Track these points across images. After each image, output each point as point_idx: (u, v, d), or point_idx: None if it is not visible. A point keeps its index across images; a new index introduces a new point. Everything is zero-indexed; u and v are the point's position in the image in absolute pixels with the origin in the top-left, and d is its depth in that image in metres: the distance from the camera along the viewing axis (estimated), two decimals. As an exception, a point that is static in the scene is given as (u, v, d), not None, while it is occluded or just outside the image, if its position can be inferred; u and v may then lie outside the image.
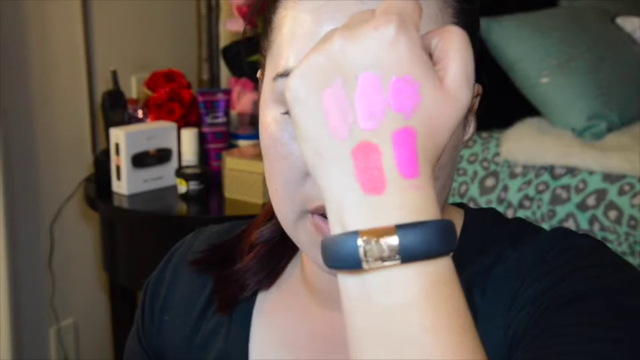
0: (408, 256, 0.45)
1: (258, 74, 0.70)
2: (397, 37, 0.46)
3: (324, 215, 0.62)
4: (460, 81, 0.48)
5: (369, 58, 0.47)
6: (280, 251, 0.78)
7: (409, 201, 0.46)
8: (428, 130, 0.47)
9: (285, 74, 0.61)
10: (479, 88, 0.69)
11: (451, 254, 0.47)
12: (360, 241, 0.45)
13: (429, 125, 0.47)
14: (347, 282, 0.48)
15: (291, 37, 0.62)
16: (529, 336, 0.60)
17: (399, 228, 0.45)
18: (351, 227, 0.46)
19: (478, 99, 0.70)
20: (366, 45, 0.47)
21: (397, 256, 0.45)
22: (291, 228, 0.66)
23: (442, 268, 0.46)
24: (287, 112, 0.62)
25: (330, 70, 0.47)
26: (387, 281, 0.46)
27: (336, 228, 0.48)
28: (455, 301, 0.46)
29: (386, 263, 0.45)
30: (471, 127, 0.69)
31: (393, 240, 0.45)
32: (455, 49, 0.49)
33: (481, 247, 0.68)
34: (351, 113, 0.47)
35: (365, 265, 0.46)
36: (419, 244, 0.45)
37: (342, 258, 0.46)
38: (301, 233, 0.65)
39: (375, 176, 0.46)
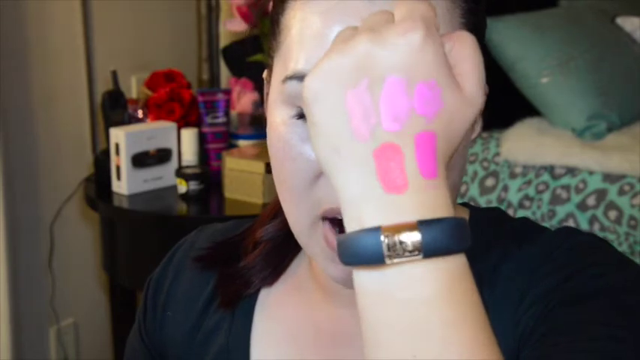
0: (429, 251, 0.46)
1: (265, 74, 0.70)
2: (425, 42, 0.48)
3: (333, 221, 0.63)
4: (477, 86, 0.50)
5: (397, 62, 0.48)
6: (285, 249, 0.78)
7: (429, 200, 0.47)
8: (446, 133, 0.48)
9: (294, 77, 0.61)
10: (486, 88, 0.69)
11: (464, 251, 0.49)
12: (382, 237, 0.46)
13: (448, 128, 0.49)
14: (365, 278, 0.48)
15: (300, 39, 0.62)
16: (536, 334, 0.60)
17: (421, 224, 0.46)
18: (370, 224, 0.47)
19: (485, 99, 0.70)
20: (394, 49, 0.48)
21: (419, 252, 0.46)
22: (305, 237, 0.66)
23: (459, 263, 0.48)
24: (296, 116, 0.62)
25: (355, 71, 0.48)
26: (407, 276, 0.47)
27: (352, 225, 0.48)
28: (471, 296, 0.48)
29: (407, 258, 0.46)
30: (478, 126, 0.70)
31: (415, 235, 0.46)
32: (470, 56, 0.50)
33: (486, 246, 0.69)
34: (374, 114, 0.48)
35: (388, 260, 0.46)
36: (440, 240, 0.46)
37: (363, 254, 0.47)
38: (314, 244, 0.65)
39: (396, 177, 0.47)
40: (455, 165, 0.63)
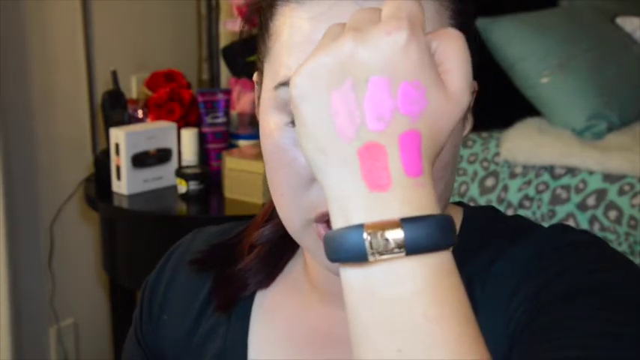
0: (412, 248, 0.46)
1: (255, 77, 0.70)
2: (409, 43, 0.48)
3: (327, 222, 0.63)
4: (462, 84, 0.50)
5: (380, 62, 0.48)
6: (280, 251, 0.78)
7: (413, 197, 0.47)
8: (431, 132, 0.49)
9: (287, 83, 0.61)
10: (475, 85, 0.70)
11: (451, 248, 0.49)
12: (365, 234, 0.47)
13: (433, 127, 0.49)
14: (350, 275, 0.49)
15: (290, 45, 0.62)
16: (529, 330, 0.60)
17: (404, 221, 0.46)
18: (355, 222, 0.48)
19: (474, 96, 0.70)
20: (378, 49, 0.48)
21: (402, 249, 0.46)
22: (299, 235, 0.66)
23: (444, 260, 0.48)
24: (291, 123, 0.62)
25: (339, 71, 0.48)
26: (391, 273, 0.47)
27: (339, 223, 0.49)
28: (457, 292, 0.48)
29: (391, 255, 0.46)
30: (469, 124, 0.71)
31: (398, 233, 0.46)
32: (456, 54, 0.50)
33: (480, 244, 0.69)
34: (358, 114, 0.48)
35: (371, 258, 0.47)
36: (423, 237, 0.46)
37: (347, 250, 0.48)
38: (308, 240, 0.66)
39: (381, 175, 0.47)
40: (446, 165, 0.64)
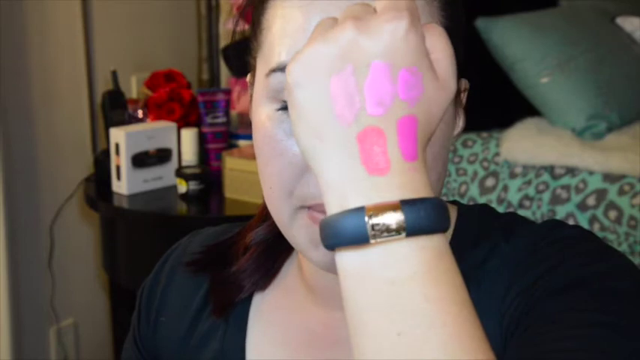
0: (412, 230, 0.47)
1: (248, 78, 0.71)
2: (409, 31, 0.50)
3: (321, 211, 0.63)
4: (450, 72, 0.52)
5: (382, 49, 0.49)
6: (275, 252, 0.78)
7: (410, 181, 0.49)
8: (426, 117, 0.50)
9: (278, 69, 0.62)
10: (466, 83, 0.70)
11: (446, 232, 0.50)
12: (366, 217, 0.48)
13: (428, 113, 0.50)
14: (348, 260, 0.49)
15: (282, 34, 0.62)
16: (523, 324, 0.61)
17: (403, 203, 0.47)
18: (352, 206, 0.48)
19: (466, 94, 0.71)
20: (380, 36, 0.49)
21: (402, 231, 0.47)
22: (287, 225, 0.66)
23: (440, 243, 0.49)
24: (281, 109, 0.63)
25: (339, 57, 0.50)
26: (390, 255, 0.48)
27: (334, 209, 0.49)
28: (453, 275, 0.49)
29: (391, 237, 0.47)
30: (461, 121, 0.71)
31: (398, 215, 0.47)
32: (442, 45, 0.52)
33: (474, 242, 0.69)
34: (358, 99, 0.49)
35: (372, 240, 0.47)
36: (422, 219, 0.48)
37: (347, 234, 0.48)
38: (296, 230, 0.65)
39: (380, 159, 0.49)
40: (437, 156, 0.64)
